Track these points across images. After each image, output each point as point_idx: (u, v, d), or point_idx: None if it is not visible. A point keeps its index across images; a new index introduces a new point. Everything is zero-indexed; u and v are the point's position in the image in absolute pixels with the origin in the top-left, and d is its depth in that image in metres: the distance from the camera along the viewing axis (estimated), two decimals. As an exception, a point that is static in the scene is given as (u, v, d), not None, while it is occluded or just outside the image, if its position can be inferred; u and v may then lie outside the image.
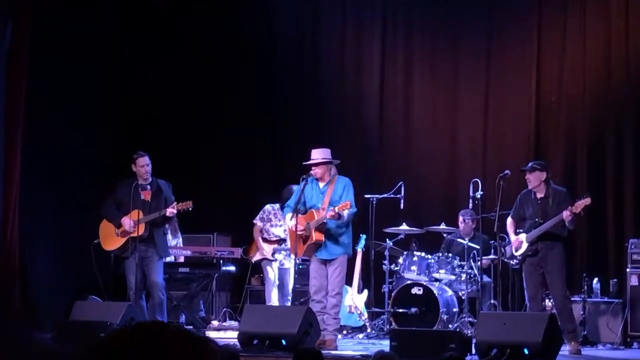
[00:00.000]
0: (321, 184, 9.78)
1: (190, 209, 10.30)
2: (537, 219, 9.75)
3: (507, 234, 10.16)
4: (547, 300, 10.23)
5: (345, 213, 9.49)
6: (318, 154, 9.80)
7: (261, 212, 11.61)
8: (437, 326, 10.70)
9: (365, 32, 13.36)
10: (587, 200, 9.48)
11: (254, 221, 11.59)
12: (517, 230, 9.95)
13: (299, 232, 9.59)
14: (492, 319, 9.13)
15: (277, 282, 11.41)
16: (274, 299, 11.31)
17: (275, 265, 11.44)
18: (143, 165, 10.48)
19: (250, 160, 13.46)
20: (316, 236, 9.58)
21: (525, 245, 9.77)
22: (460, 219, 11.64)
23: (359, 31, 13.40)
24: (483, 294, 10.98)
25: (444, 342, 8.55)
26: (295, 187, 10.70)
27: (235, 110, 13.47)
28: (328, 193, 9.68)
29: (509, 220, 10.04)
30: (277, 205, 11.41)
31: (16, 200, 11.21)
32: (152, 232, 10.37)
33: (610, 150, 11.96)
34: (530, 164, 9.99)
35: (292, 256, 10.48)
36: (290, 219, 9.72)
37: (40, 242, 11.57)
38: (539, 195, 9.84)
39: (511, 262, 10.06)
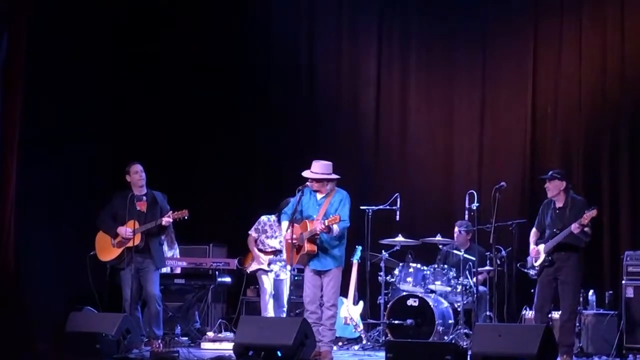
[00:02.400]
0: (319, 196, 9.79)
1: (186, 217, 10.31)
2: (555, 229, 9.71)
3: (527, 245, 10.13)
4: (554, 313, 10.16)
5: (335, 227, 9.48)
6: (318, 168, 9.78)
7: (256, 224, 11.60)
8: (433, 338, 10.71)
9: (362, 46, 13.39)
10: (593, 212, 9.45)
11: (249, 232, 11.59)
12: (538, 241, 9.91)
13: (292, 242, 9.60)
14: (487, 330, 9.11)
15: (272, 293, 11.40)
16: (269, 309, 11.30)
17: (271, 275, 11.43)
18: (137, 171, 10.51)
19: (246, 172, 13.47)
20: (308, 247, 9.58)
21: (542, 256, 9.74)
22: (456, 229, 11.66)
23: (355, 45, 13.43)
24: (479, 306, 10.99)
25: (439, 354, 8.53)
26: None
27: (232, 122, 13.48)
28: (324, 205, 9.69)
29: (533, 230, 9.99)
30: (273, 217, 11.40)
31: (12, 211, 11.19)
32: (147, 243, 10.39)
33: (605, 161, 11.98)
34: (550, 173, 9.93)
35: (288, 267, 10.48)
36: (287, 229, 9.73)
37: (37, 253, 11.54)
38: (557, 205, 9.79)
39: (530, 272, 10.02)
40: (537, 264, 9.81)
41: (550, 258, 9.68)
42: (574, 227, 9.46)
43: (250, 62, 13.54)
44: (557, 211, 9.77)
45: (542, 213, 9.94)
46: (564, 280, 9.62)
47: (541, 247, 9.77)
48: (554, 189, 9.77)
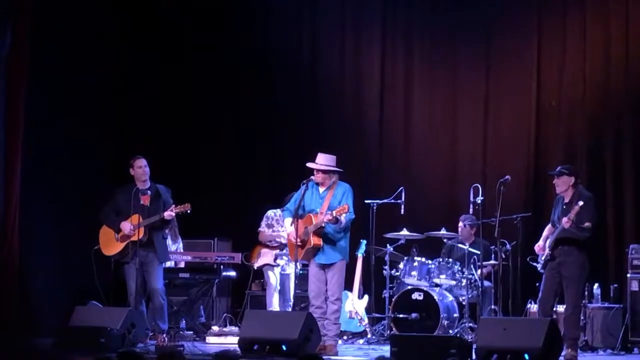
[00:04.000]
0: (321, 189, 9.79)
1: (188, 211, 10.31)
2: (558, 224, 9.70)
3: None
4: (558, 306, 10.15)
5: (343, 218, 9.47)
6: (322, 160, 9.78)
7: (265, 219, 11.60)
8: (438, 331, 10.71)
9: (365, 41, 13.35)
10: (576, 207, 9.42)
11: (260, 229, 11.57)
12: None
13: (297, 238, 9.58)
14: (492, 324, 9.11)
15: (278, 287, 11.40)
16: (275, 303, 11.31)
17: (277, 270, 11.43)
18: (141, 166, 10.52)
19: (251, 166, 13.46)
20: (314, 241, 9.57)
21: (547, 250, 9.74)
22: (460, 223, 11.65)
23: (358, 39, 13.39)
24: (483, 300, 10.98)
25: (444, 348, 8.54)
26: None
27: (236, 116, 13.48)
28: (327, 198, 9.68)
29: (548, 225, 9.93)
30: (278, 211, 11.40)
31: (16, 206, 11.21)
32: (151, 237, 10.39)
33: (609, 155, 11.97)
34: (558, 168, 9.84)
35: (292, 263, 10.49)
36: (291, 224, 9.71)
37: (41, 248, 11.56)
38: (565, 200, 9.76)
39: (538, 265, 10.01)
40: (543, 258, 9.82)
41: (551, 252, 9.67)
42: (565, 222, 9.43)
43: (253, 56, 13.51)
44: (564, 206, 9.73)
45: (554, 208, 9.91)
46: (566, 276, 9.58)
47: (548, 241, 9.77)
48: (563, 185, 9.72)
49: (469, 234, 11.63)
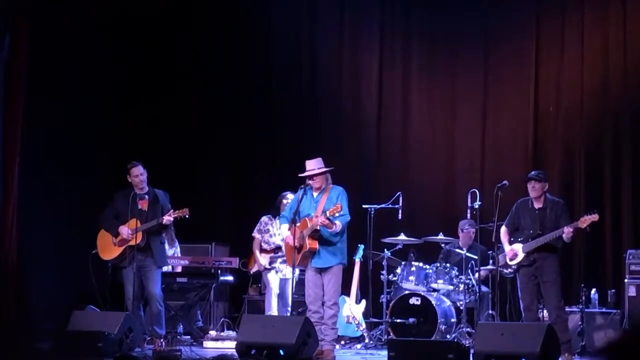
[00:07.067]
0: (315, 193, 9.76)
1: (186, 216, 10.32)
2: (538, 231, 9.69)
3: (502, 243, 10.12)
4: (544, 311, 10.21)
5: (338, 220, 9.45)
6: (314, 165, 9.75)
7: (258, 224, 11.59)
8: (435, 336, 10.70)
9: (363, 45, 13.38)
10: (594, 217, 9.42)
11: (253, 234, 11.57)
12: (511, 240, 9.92)
13: (294, 244, 9.55)
14: (490, 329, 9.11)
15: (278, 291, 11.38)
16: (274, 307, 11.29)
17: (279, 274, 11.41)
18: (137, 174, 10.52)
19: (249, 171, 13.47)
20: (310, 244, 9.54)
21: (521, 256, 9.75)
22: (460, 229, 11.64)
23: (356, 44, 13.43)
24: (481, 305, 10.97)
25: (442, 353, 8.53)
26: (290, 195, 10.72)
27: (233, 121, 13.48)
28: (322, 202, 9.65)
29: (503, 228, 10.00)
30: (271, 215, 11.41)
31: (14, 210, 11.21)
32: (149, 241, 10.40)
33: (607, 160, 11.99)
34: (536, 173, 9.91)
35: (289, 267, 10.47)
36: (288, 230, 9.69)
37: (39, 252, 11.56)
38: (537, 206, 9.81)
39: (504, 271, 10.05)
40: (512, 263, 9.81)
41: (531, 258, 9.69)
42: (567, 231, 9.45)
43: (251, 61, 13.54)
44: (537, 212, 9.77)
45: (517, 213, 9.94)
46: (545, 280, 9.64)
47: (517, 246, 9.78)
48: (540, 190, 9.80)
49: (469, 239, 11.63)
